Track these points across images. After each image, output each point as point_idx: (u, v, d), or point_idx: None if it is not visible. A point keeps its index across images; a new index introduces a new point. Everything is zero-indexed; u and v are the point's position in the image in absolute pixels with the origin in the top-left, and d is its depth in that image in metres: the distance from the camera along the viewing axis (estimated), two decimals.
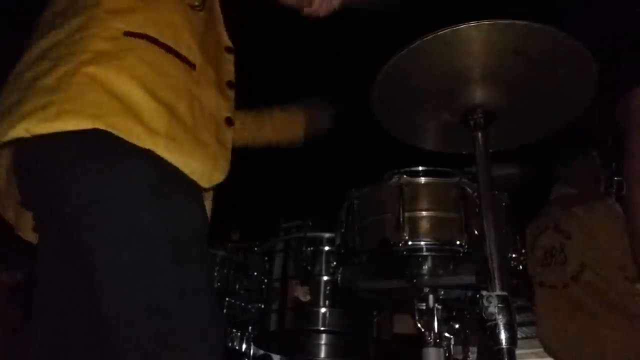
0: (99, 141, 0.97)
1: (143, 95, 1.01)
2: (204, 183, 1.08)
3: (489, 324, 1.10)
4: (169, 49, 1.10)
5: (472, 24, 1.12)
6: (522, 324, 2.57)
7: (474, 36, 1.16)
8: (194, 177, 1.05)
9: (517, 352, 1.11)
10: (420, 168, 1.58)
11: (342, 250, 1.67)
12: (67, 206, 0.99)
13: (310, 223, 2.01)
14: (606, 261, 2.18)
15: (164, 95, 1.04)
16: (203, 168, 1.07)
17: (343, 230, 1.68)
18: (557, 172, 2.56)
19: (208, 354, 0.97)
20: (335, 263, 1.73)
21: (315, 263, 1.94)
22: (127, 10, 1.09)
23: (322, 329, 1.89)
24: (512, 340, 1.09)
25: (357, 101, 1.48)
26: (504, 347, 1.09)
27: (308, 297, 1.89)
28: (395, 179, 1.56)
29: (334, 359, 1.99)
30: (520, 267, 1.59)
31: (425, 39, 1.17)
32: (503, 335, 1.09)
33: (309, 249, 1.94)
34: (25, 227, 1.22)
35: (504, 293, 1.12)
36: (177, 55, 1.11)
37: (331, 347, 1.97)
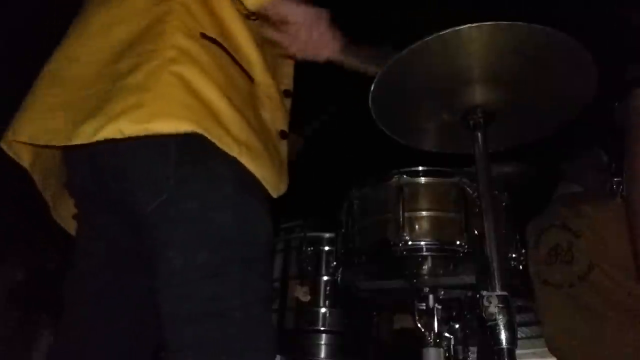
0: (190, 144, 0.96)
1: (225, 103, 1.00)
2: (274, 194, 1.10)
3: (489, 324, 1.10)
4: (235, 60, 1.09)
5: (474, 25, 1.12)
6: (522, 324, 2.56)
7: (474, 37, 1.16)
8: (267, 187, 1.06)
9: (517, 352, 1.12)
10: (420, 168, 1.58)
11: (342, 250, 1.68)
12: (148, 204, 0.97)
13: (310, 223, 2.01)
14: (615, 261, 2.16)
15: (238, 104, 1.04)
16: (274, 179, 1.08)
17: (343, 231, 1.68)
18: (564, 170, 2.55)
19: None
20: (335, 263, 1.73)
21: (315, 263, 1.94)
22: (197, 13, 1.06)
23: (322, 329, 1.90)
24: (512, 340, 1.09)
25: (357, 101, 1.48)
26: (504, 347, 1.09)
27: (308, 297, 1.89)
28: (395, 179, 1.56)
29: (334, 359, 1.98)
30: (520, 267, 1.59)
31: (425, 40, 1.17)
32: (503, 335, 1.09)
33: (309, 248, 1.94)
34: (64, 214, 1.21)
35: (504, 293, 1.12)
36: (241, 68, 1.10)
37: (331, 347, 1.97)
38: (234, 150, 0.99)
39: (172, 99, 0.95)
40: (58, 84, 1.05)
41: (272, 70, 1.21)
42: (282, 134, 1.20)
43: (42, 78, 1.08)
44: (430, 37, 1.15)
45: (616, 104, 1.72)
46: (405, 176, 1.56)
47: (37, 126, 1.03)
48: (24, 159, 1.12)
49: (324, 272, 1.93)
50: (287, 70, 1.30)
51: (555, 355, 2.33)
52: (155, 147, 0.97)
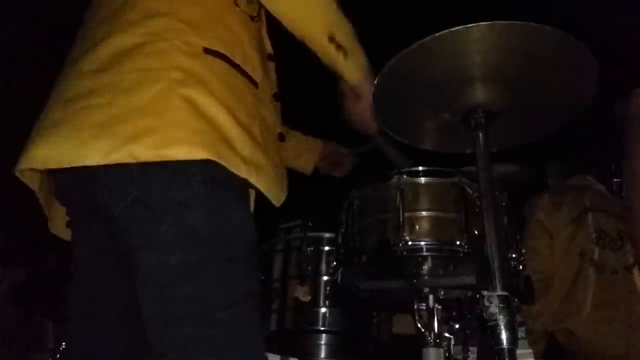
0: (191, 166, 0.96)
1: (231, 122, 0.99)
2: (276, 203, 1.08)
3: (490, 324, 1.10)
4: (240, 70, 1.07)
5: (484, 23, 1.12)
6: (522, 324, 2.56)
7: (477, 36, 1.16)
8: (271, 198, 1.06)
9: (518, 352, 1.12)
10: (420, 168, 1.57)
11: (342, 250, 1.67)
12: (116, 207, 0.96)
13: (310, 223, 2.00)
14: None
15: (244, 119, 1.03)
16: (277, 189, 1.07)
17: (343, 230, 1.68)
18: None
19: None
20: (335, 263, 1.73)
21: (315, 263, 1.94)
22: (200, 24, 1.05)
23: (322, 329, 1.89)
24: (513, 340, 1.10)
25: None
26: (505, 347, 1.09)
27: (308, 297, 1.89)
28: (395, 179, 1.56)
29: (334, 359, 1.98)
30: (521, 267, 1.58)
31: (435, 35, 1.16)
32: (504, 335, 1.09)
33: (309, 248, 1.94)
34: (58, 224, 1.19)
35: (505, 293, 1.12)
36: (246, 75, 1.09)
37: (331, 347, 1.97)
38: (242, 171, 0.98)
39: (183, 125, 0.95)
40: (58, 98, 1.03)
41: (267, 73, 1.21)
42: (280, 137, 1.19)
43: (51, 95, 1.06)
44: (440, 33, 1.15)
45: (616, 104, 1.72)
46: (405, 176, 1.56)
47: (43, 149, 0.99)
48: (34, 181, 1.11)
49: (324, 272, 1.92)
50: (273, 75, 1.28)
51: (580, 339, 2.29)
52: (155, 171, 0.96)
